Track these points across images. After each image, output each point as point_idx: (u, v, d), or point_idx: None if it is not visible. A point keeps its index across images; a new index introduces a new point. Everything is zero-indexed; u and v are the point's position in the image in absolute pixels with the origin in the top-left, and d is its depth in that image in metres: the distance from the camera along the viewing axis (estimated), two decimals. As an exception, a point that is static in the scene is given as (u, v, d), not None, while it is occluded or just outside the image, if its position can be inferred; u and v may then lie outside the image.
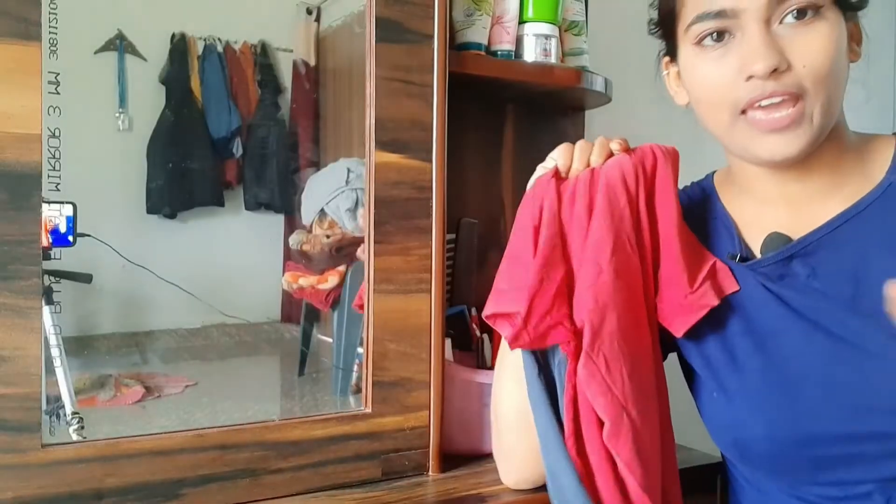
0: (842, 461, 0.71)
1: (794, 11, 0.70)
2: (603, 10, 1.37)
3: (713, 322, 0.77)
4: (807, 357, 0.73)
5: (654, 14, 0.83)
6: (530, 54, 1.10)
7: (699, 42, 0.74)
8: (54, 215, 0.85)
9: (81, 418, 0.87)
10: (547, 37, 1.10)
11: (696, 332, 0.77)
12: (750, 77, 0.71)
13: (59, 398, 0.88)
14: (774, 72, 0.69)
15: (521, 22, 1.11)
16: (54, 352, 0.87)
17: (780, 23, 0.70)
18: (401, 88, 0.92)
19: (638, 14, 1.51)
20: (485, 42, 1.08)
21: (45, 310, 0.81)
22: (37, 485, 0.74)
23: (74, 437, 0.85)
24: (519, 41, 1.11)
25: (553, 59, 1.11)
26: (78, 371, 0.93)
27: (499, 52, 1.09)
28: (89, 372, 0.98)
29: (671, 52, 0.81)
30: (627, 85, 1.32)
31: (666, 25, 0.80)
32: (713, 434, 0.81)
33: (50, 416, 0.84)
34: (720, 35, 0.73)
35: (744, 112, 0.72)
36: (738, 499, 0.84)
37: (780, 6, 0.70)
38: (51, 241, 0.84)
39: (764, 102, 0.71)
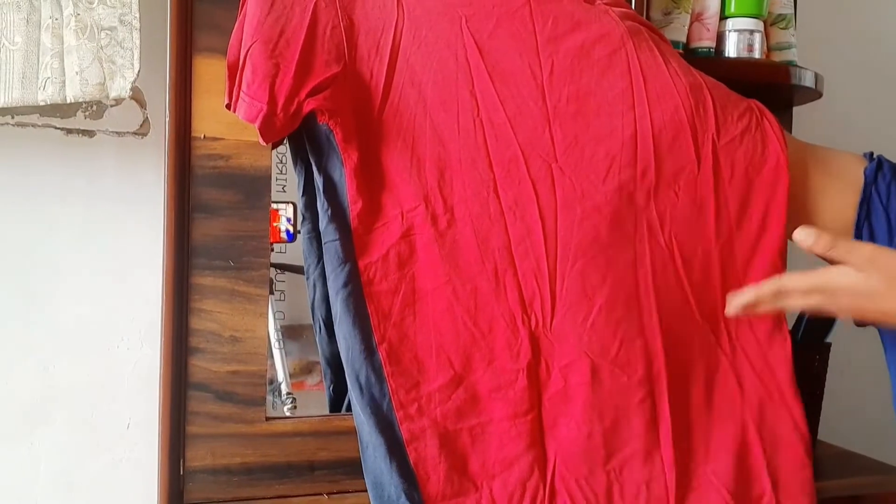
0: None
1: None
2: (812, 2, 1.29)
3: None
4: None
5: None
6: (733, 50, 1.06)
7: None
8: (280, 214, 0.94)
9: (294, 398, 0.96)
10: (751, 32, 1.06)
11: None
12: None
13: (274, 379, 0.97)
14: None
15: (723, 18, 1.07)
16: (273, 336, 0.97)
17: None
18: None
19: (851, 4, 1.42)
20: (683, 40, 1.05)
21: (269, 298, 0.91)
22: (260, 453, 0.82)
23: (288, 414, 0.94)
24: (721, 38, 1.07)
25: (757, 55, 1.06)
26: (290, 356, 1.02)
27: (699, 50, 1.06)
28: (300, 358, 1.07)
29: None
30: (840, 80, 1.24)
31: None
32: None
33: (270, 395, 0.93)
34: None
35: None
36: None
37: None
38: (285, 237, 0.94)
39: None
